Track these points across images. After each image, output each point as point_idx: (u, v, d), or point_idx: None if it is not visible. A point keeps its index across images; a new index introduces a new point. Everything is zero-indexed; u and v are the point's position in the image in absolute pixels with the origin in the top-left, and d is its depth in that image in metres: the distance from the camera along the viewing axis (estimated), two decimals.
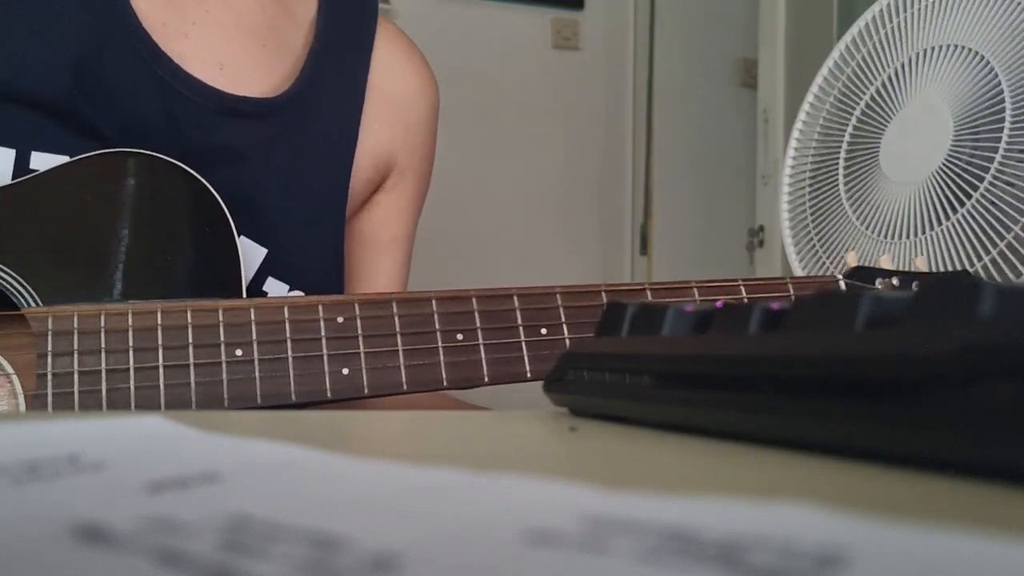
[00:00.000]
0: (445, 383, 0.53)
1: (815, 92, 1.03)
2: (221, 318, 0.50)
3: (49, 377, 0.47)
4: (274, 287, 0.65)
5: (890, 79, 0.95)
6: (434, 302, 0.53)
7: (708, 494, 0.13)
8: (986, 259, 0.80)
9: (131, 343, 0.48)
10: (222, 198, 0.56)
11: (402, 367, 0.52)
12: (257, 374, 0.49)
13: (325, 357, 0.51)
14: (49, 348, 0.47)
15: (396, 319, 0.53)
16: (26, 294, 0.51)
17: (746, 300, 0.60)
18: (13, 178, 0.57)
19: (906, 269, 0.70)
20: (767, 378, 0.20)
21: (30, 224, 0.54)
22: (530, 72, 2.50)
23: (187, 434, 0.21)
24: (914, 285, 0.63)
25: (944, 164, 0.86)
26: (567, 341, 0.55)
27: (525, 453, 0.23)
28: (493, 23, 2.46)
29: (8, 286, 0.51)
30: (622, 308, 0.30)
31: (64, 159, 0.57)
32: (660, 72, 2.63)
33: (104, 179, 0.55)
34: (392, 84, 0.73)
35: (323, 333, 0.51)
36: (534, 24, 2.51)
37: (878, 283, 0.65)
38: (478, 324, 0.54)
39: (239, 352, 0.49)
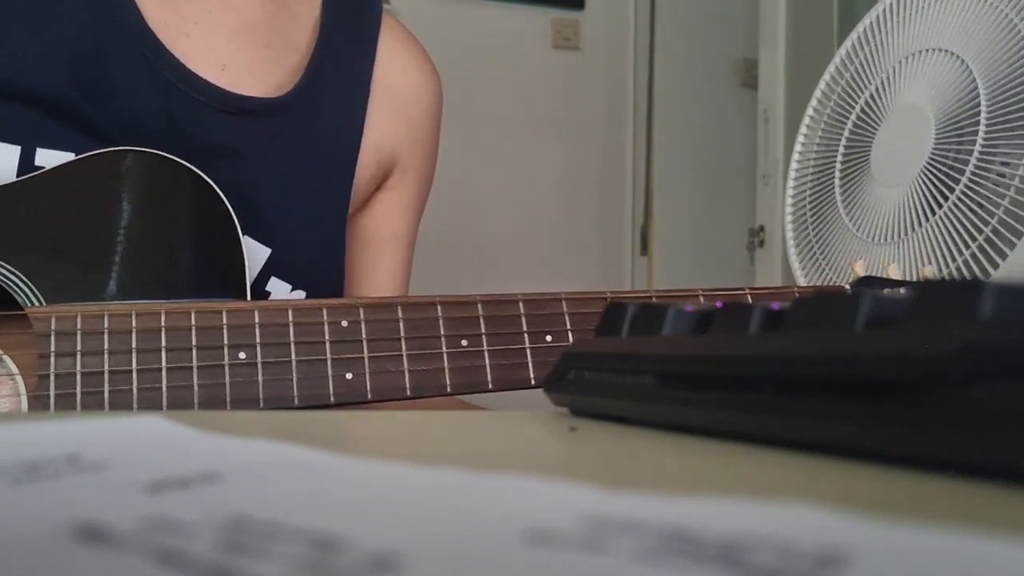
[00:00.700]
0: (449, 388, 0.53)
1: (817, 97, 1.03)
2: (225, 320, 0.50)
3: (51, 378, 0.47)
4: (277, 287, 0.64)
5: (883, 83, 0.95)
6: (439, 307, 0.53)
7: (708, 494, 0.13)
8: (962, 258, 0.81)
9: (134, 344, 0.48)
10: (225, 197, 0.56)
11: (406, 372, 0.52)
12: (260, 377, 0.49)
13: (329, 361, 0.51)
14: (52, 348, 0.47)
15: (401, 323, 0.52)
16: (29, 293, 0.51)
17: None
18: (18, 174, 0.57)
19: (914, 279, 0.70)
20: (767, 378, 0.20)
21: (34, 222, 0.54)
22: (530, 72, 2.50)
23: (187, 434, 0.21)
24: None
25: (927, 166, 0.86)
26: None
27: (525, 453, 0.23)
28: (493, 23, 2.46)
29: (11, 284, 0.51)
30: (622, 308, 0.30)
31: (69, 156, 0.57)
32: (660, 72, 2.63)
33: (108, 178, 0.55)
34: (395, 80, 0.72)
35: (327, 337, 0.51)
36: (534, 24, 2.51)
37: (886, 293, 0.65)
38: (483, 330, 0.54)
39: (242, 355, 0.49)
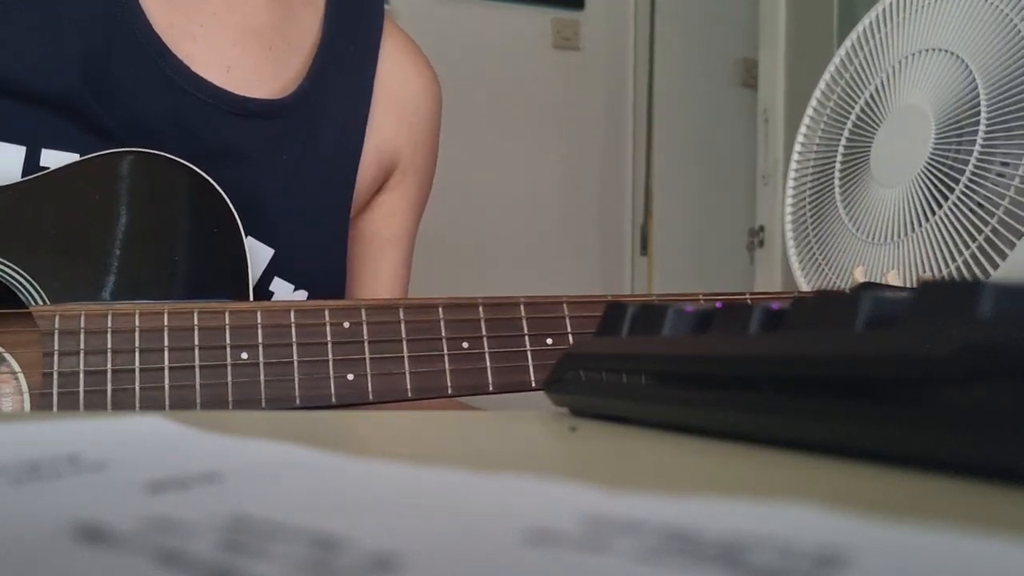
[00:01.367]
0: (450, 390, 0.53)
1: (817, 97, 1.03)
2: (227, 320, 0.50)
3: (55, 376, 0.47)
4: (280, 287, 0.65)
5: (882, 83, 0.95)
6: (441, 309, 0.53)
7: (708, 494, 0.13)
8: (962, 258, 0.81)
9: (137, 344, 0.48)
10: (229, 198, 0.57)
11: (407, 374, 0.52)
12: (262, 377, 0.49)
13: (331, 362, 0.51)
14: (56, 347, 0.48)
15: (402, 325, 0.52)
16: (34, 292, 0.51)
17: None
18: (23, 175, 0.57)
19: (912, 285, 0.70)
20: (767, 378, 0.20)
21: (40, 222, 0.54)
22: (530, 72, 2.50)
23: (187, 434, 0.21)
24: None
25: (927, 166, 0.86)
26: None
27: (525, 453, 0.23)
28: (493, 23, 2.46)
29: (16, 283, 0.52)
30: (622, 308, 0.30)
31: (74, 156, 0.57)
32: (660, 72, 2.63)
33: (113, 179, 0.55)
34: (397, 84, 0.73)
35: (329, 338, 0.51)
36: (534, 24, 2.51)
37: None
38: (484, 332, 0.54)
39: (245, 355, 0.49)
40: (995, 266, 0.78)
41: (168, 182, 0.57)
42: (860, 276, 0.69)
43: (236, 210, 0.57)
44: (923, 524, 0.11)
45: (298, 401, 0.50)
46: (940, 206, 0.84)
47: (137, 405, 0.48)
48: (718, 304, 0.26)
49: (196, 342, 0.49)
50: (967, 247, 0.81)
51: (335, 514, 0.13)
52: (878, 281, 0.67)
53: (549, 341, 0.55)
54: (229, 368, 0.49)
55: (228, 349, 0.49)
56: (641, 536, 0.11)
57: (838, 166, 0.98)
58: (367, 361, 0.51)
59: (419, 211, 0.78)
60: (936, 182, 0.85)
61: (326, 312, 0.51)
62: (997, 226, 0.79)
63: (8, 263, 0.52)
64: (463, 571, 0.10)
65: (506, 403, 0.63)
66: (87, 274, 0.53)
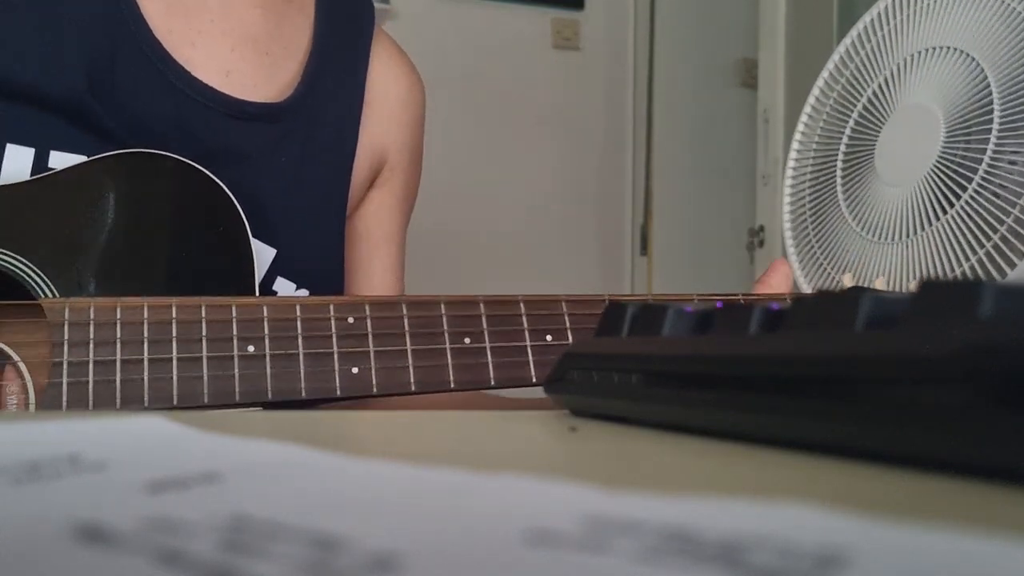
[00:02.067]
0: (452, 385, 0.54)
1: (816, 95, 1.03)
2: (234, 314, 0.51)
3: (64, 366, 0.48)
4: (283, 286, 0.66)
5: (886, 81, 0.95)
6: (443, 305, 0.54)
7: (708, 494, 0.13)
8: (975, 257, 0.80)
9: (146, 335, 0.49)
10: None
11: (410, 368, 0.53)
12: (268, 370, 0.50)
13: (335, 355, 0.52)
14: (65, 337, 0.48)
15: (405, 320, 0.53)
16: (44, 285, 0.52)
17: None
18: (32, 176, 0.58)
19: (902, 291, 0.70)
20: (767, 378, 0.20)
21: (50, 220, 0.55)
22: (530, 72, 2.51)
23: (187, 434, 0.21)
24: None
25: (936, 165, 0.86)
26: None
27: (525, 453, 0.23)
28: (493, 23, 2.46)
29: (26, 276, 0.52)
30: (622, 308, 0.30)
31: (81, 158, 0.59)
32: (660, 72, 2.63)
33: (122, 178, 0.57)
34: (387, 86, 0.75)
35: (334, 332, 0.52)
36: (534, 24, 2.52)
37: None
38: (485, 328, 0.54)
39: (251, 348, 0.50)
40: (1012, 265, 0.77)
41: (177, 183, 0.58)
42: (848, 282, 0.69)
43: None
44: (923, 524, 0.11)
45: (304, 393, 0.50)
46: (952, 204, 0.83)
47: (145, 396, 0.48)
48: (718, 304, 0.26)
49: (203, 334, 0.50)
50: (981, 246, 0.80)
51: (335, 514, 0.13)
52: (867, 287, 0.68)
53: (548, 338, 0.56)
54: (236, 360, 0.50)
55: (235, 341, 0.50)
56: (641, 536, 0.11)
57: (840, 164, 0.98)
58: (371, 355, 0.52)
59: (408, 210, 0.80)
60: (947, 180, 0.85)
61: (331, 307, 0.52)
62: (1013, 224, 0.78)
63: (18, 256, 0.53)
64: (463, 571, 0.10)
65: (506, 399, 0.64)
66: (96, 273, 0.54)
